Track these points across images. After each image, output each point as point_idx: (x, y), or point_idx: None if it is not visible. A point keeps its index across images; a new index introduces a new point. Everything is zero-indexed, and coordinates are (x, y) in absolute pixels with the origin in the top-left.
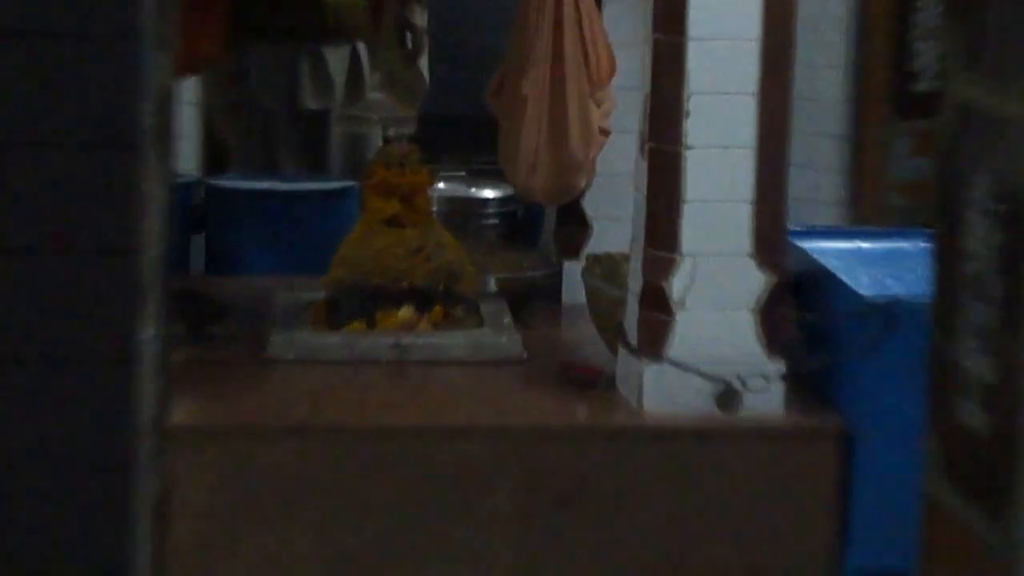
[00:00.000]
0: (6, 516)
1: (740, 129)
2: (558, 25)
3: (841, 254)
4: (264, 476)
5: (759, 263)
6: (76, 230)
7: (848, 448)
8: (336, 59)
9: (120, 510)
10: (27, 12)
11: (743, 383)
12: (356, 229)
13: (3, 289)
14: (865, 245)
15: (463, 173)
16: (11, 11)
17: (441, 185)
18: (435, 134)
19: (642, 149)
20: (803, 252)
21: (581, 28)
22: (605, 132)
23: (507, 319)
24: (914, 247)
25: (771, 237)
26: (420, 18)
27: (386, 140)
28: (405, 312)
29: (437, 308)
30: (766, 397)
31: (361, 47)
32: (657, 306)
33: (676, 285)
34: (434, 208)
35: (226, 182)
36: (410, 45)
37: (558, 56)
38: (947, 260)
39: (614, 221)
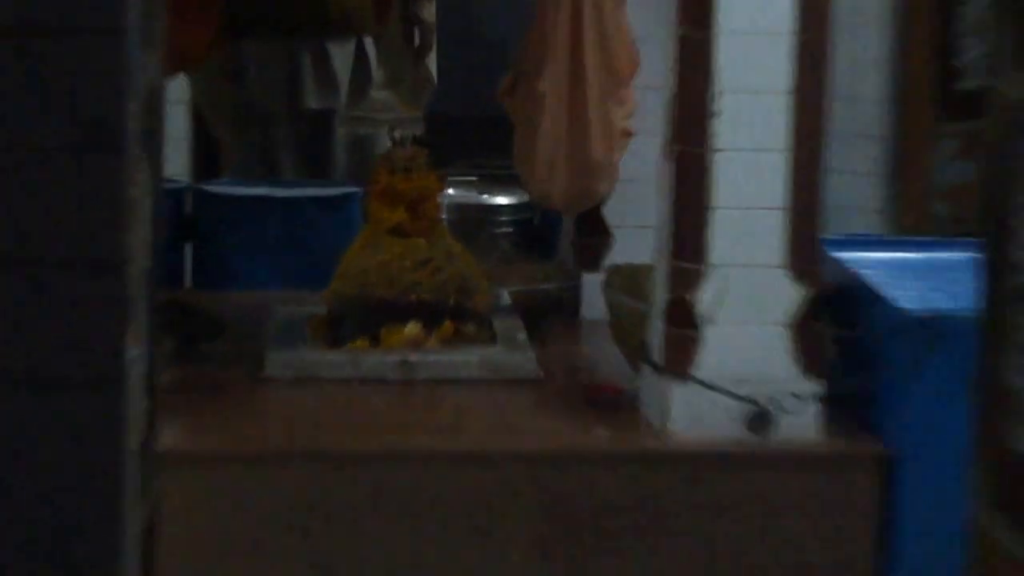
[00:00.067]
0: None
1: (772, 131)
2: (577, 17)
3: (881, 265)
4: (261, 505)
5: (793, 275)
6: (56, 240)
7: (889, 475)
8: (341, 55)
9: (106, 541)
10: (2, 6)
11: (776, 404)
12: (359, 239)
13: None
14: (907, 256)
15: (474, 178)
16: None
17: (451, 191)
18: (444, 136)
19: (667, 152)
20: (840, 263)
21: (602, 21)
22: (628, 133)
23: (521, 335)
24: (960, 258)
25: (805, 247)
26: (428, 12)
27: (392, 143)
28: (412, 328)
29: (446, 324)
30: (801, 420)
31: (368, 42)
32: (683, 321)
33: (704, 299)
34: (443, 216)
35: (219, 188)
36: (418, 41)
37: (577, 51)
38: (995, 272)
39: (637, 230)
